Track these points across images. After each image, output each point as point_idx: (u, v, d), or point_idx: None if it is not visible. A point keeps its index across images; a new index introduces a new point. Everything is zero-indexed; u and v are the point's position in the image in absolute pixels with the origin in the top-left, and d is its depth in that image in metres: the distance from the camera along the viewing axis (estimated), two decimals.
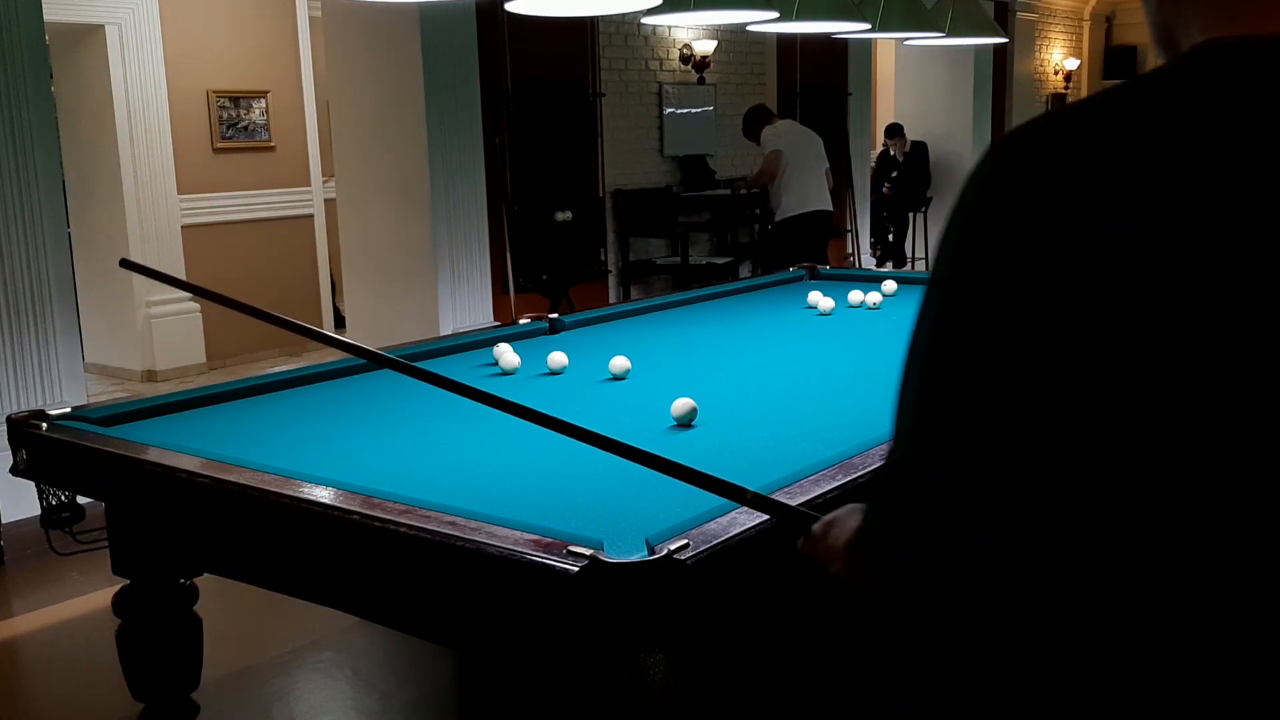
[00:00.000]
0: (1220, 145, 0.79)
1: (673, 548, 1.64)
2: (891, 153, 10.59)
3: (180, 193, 7.28)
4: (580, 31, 7.32)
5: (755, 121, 7.53)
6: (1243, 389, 0.76)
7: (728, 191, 8.09)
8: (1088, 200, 0.79)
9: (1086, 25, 13.15)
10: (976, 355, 0.84)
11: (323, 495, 2.02)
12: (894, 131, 10.55)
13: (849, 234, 9.53)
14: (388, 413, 2.83)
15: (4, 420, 2.86)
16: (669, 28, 7.97)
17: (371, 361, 2.18)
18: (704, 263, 7.97)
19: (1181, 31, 0.88)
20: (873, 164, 10.32)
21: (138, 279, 7.10)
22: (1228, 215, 0.77)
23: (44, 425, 2.59)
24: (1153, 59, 0.93)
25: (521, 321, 3.86)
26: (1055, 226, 0.80)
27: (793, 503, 1.67)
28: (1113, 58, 13.36)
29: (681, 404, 2.48)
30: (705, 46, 8.33)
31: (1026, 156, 0.84)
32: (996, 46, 10.28)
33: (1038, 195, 0.81)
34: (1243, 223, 0.77)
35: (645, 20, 4.20)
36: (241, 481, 2.13)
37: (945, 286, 0.87)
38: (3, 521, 4.13)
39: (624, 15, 6.18)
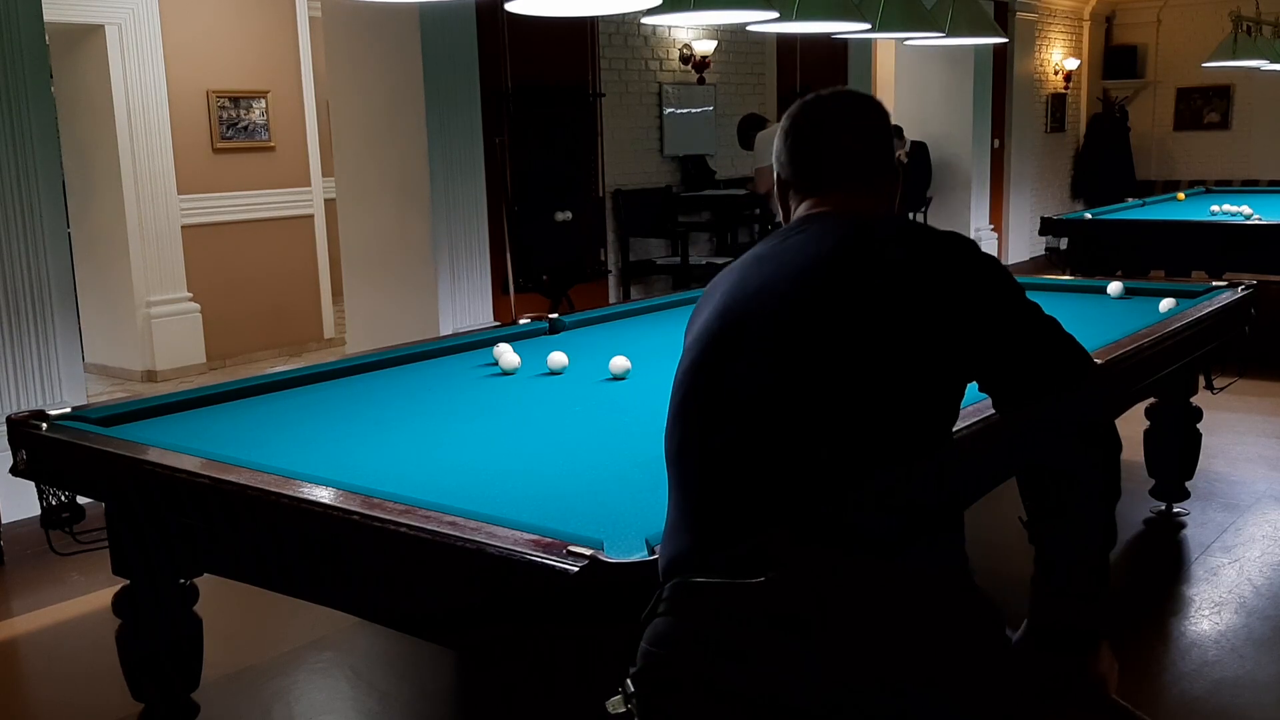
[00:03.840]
0: (780, 257, 1.60)
1: None
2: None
3: (180, 193, 7.27)
4: (580, 31, 7.32)
5: (749, 129, 7.51)
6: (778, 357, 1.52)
7: (743, 191, 8.08)
8: (726, 284, 1.64)
9: (1086, 25, 13.10)
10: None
11: (323, 495, 2.02)
12: (894, 133, 10.52)
13: None
14: (388, 413, 2.83)
15: (4, 420, 2.86)
16: (669, 28, 7.97)
17: None
18: (704, 263, 7.97)
19: (795, 213, 1.70)
20: None
21: (137, 278, 7.09)
22: (788, 294, 1.54)
23: (44, 425, 2.60)
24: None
25: (521, 321, 3.86)
26: (718, 298, 1.64)
27: None
28: (1113, 58, 13.29)
29: None
30: (705, 46, 8.32)
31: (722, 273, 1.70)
32: (996, 46, 10.27)
33: (718, 285, 1.68)
34: (793, 293, 1.53)
35: (645, 20, 4.19)
36: (241, 481, 2.14)
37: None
38: (3, 521, 4.13)
39: (624, 15, 6.17)
